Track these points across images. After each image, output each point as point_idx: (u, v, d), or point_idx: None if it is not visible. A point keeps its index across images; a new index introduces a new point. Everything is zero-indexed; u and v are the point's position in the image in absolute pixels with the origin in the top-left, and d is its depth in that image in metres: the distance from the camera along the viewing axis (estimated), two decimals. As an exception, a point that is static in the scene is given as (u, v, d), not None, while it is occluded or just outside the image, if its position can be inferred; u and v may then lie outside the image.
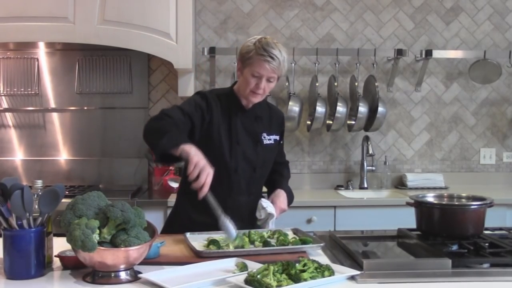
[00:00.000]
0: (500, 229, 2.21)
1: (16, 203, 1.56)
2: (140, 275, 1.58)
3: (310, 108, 3.78)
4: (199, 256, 1.79)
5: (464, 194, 2.17)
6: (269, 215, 2.22)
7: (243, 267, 1.64)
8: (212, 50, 3.65)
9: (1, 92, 3.73)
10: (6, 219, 1.61)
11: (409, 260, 1.85)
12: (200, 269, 1.66)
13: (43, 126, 3.77)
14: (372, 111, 3.68)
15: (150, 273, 1.57)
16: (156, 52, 3.39)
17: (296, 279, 1.49)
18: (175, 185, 3.37)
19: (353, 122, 3.70)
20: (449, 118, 4.02)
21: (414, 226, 2.10)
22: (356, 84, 3.73)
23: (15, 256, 1.59)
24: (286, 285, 1.46)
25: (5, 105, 3.75)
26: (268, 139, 2.31)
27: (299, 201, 3.29)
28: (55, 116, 3.77)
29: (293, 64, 3.69)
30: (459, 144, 4.03)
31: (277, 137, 2.36)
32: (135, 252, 1.55)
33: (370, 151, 3.76)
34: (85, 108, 3.79)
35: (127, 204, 1.60)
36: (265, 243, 1.91)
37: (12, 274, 1.60)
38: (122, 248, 1.54)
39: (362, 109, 3.65)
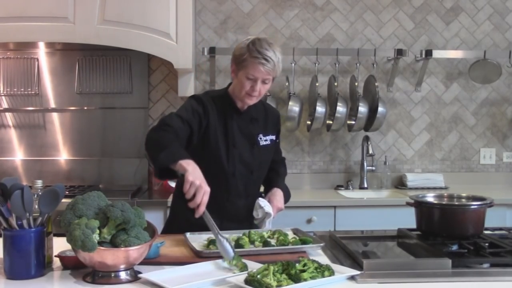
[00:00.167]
0: (500, 229, 2.21)
1: (16, 203, 1.56)
2: (140, 275, 1.58)
3: (310, 108, 3.78)
4: (199, 256, 1.79)
5: (464, 194, 2.16)
6: (267, 215, 2.21)
7: (243, 267, 1.64)
8: (212, 50, 3.65)
9: (1, 92, 3.73)
10: (6, 219, 1.61)
11: (409, 260, 1.85)
12: (200, 269, 1.66)
13: (43, 126, 3.77)
14: (372, 111, 3.68)
15: (150, 273, 1.57)
16: (156, 52, 3.39)
17: (296, 279, 1.49)
18: (175, 185, 3.36)
19: (353, 122, 3.70)
20: (449, 118, 4.02)
21: (414, 226, 2.09)
22: (356, 84, 3.73)
23: (15, 256, 1.59)
24: (286, 285, 1.46)
25: (5, 105, 3.75)
26: (265, 140, 2.30)
27: (299, 201, 3.30)
28: (55, 116, 3.77)
29: (293, 64, 3.69)
30: (459, 144, 4.03)
31: (273, 137, 2.35)
32: (135, 252, 1.55)
33: (370, 151, 3.76)
34: (85, 108, 3.79)
35: (127, 204, 1.60)
36: (265, 243, 1.91)
37: (12, 274, 1.60)
38: (122, 248, 1.54)
39: (362, 109, 3.65)
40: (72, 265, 1.68)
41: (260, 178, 2.36)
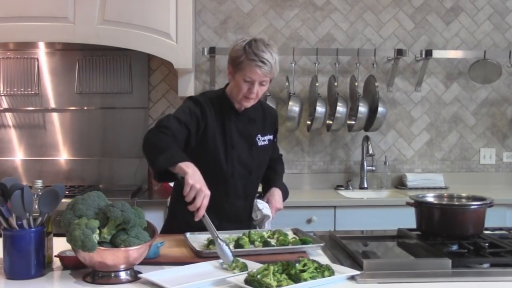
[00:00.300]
0: (500, 229, 2.21)
1: (16, 203, 1.56)
2: (140, 275, 1.58)
3: (310, 108, 3.78)
4: (199, 256, 1.79)
5: (464, 194, 2.16)
6: (265, 217, 2.22)
7: (243, 267, 1.64)
8: (212, 50, 3.65)
9: (1, 92, 3.73)
10: (6, 219, 1.61)
11: (409, 260, 1.85)
12: (200, 269, 1.66)
13: (43, 126, 3.77)
14: (372, 111, 3.67)
15: (150, 273, 1.57)
16: (156, 52, 3.39)
17: (296, 279, 1.49)
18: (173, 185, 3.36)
19: (353, 122, 3.70)
20: (449, 118, 4.02)
21: (414, 226, 2.09)
22: (356, 84, 3.73)
23: (15, 256, 1.59)
24: (286, 285, 1.46)
25: (5, 105, 3.75)
26: (263, 140, 2.30)
27: (299, 201, 3.30)
28: (55, 116, 3.77)
29: (293, 64, 3.69)
30: (459, 144, 4.03)
31: (271, 137, 2.35)
32: (135, 252, 1.55)
33: (370, 151, 3.76)
34: (85, 108, 3.79)
35: (127, 204, 1.60)
36: (265, 243, 1.91)
37: (12, 274, 1.60)
38: (122, 248, 1.54)
39: (362, 109, 3.64)
40: (72, 265, 1.68)
41: (259, 178, 2.36)
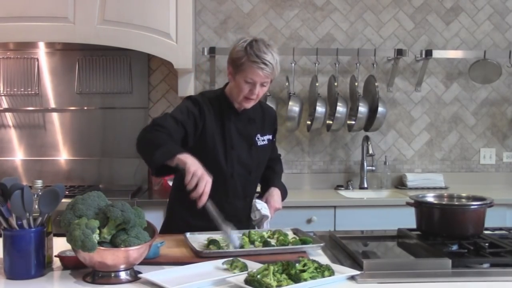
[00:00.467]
0: (500, 229, 2.21)
1: (16, 203, 1.56)
2: (140, 275, 1.58)
3: (310, 108, 3.78)
4: (199, 256, 1.79)
5: (464, 194, 2.16)
6: (264, 217, 2.22)
7: (243, 267, 1.64)
8: (212, 50, 3.65)
9: (1, 92, 3.73)
10: (6, 219, 1.61)
11: (409, 260, 1.85)
12: (200, 269, 1.66)
13: (43, 126, 3.77)
14: (372, 111, 3.67)
15: (150, 273, 1.57)
16: (156, 52, 3.39)
17: (296, 279, 1.49)
18: (171, 187, 3.35)
19: (353, 122, 3.70)
20: (449, 118, 4.02)
21: (414, 226, 2.09)
22: (356, 84, 3.73)
23: (15, 256, 1.59)
24: (286, 285, 1.46)
25: (5, 105, 3.75)
26: (262, 140, 2.30)
27: (299, 201, 3.30)
28: (55, 116, 3.77)
29: (293, 64, 3.69)
30: (459, 144, 4.03)
31: (270, 137, 2.35)
32: (135, 252, 1.55)
33: (370, 151, 3.76)
34: (85, 108, 3.79)
35: (127, 204, 1.60)
36: (265, 243, 1.91)
37: (12, 274, 1.60)
38: (122, 248, 1.54)
39: (362, 109, 3.64)
40: (72, 265, 1.68)
41: (258, 178, 2.36)
